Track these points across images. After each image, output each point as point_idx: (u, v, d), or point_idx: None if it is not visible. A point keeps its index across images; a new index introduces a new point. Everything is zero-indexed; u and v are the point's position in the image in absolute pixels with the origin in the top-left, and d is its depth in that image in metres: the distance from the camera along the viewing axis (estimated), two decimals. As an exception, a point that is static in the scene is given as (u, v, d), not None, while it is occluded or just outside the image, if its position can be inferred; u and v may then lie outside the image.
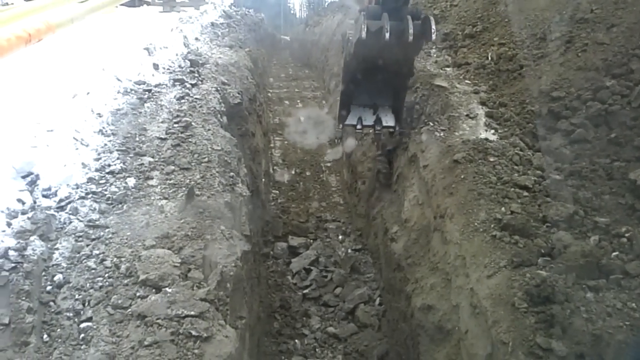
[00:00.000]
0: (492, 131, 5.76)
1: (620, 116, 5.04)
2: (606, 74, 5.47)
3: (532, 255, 3.93)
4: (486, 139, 5.50)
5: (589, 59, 5.73)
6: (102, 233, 3.78)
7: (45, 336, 3.01)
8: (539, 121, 5.69)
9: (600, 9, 6.15)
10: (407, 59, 5.88)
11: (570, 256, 3.81)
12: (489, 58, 7.29)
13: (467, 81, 7.10)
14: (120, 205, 4.13)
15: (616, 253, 3.82)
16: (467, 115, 6.14)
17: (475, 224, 4.45)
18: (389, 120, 6.48)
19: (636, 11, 5.77)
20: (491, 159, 5.12)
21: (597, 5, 6.22)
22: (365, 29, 4.93)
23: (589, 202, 4.45)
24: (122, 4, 10.44)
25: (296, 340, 6.32)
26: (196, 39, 9.89)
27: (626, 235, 3.96)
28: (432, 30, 4.90)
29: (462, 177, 5.01)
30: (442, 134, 5.88)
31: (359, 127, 6.53)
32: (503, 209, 4.44)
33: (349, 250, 7.88)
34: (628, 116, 4.99)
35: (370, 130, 6.79)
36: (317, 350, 6.22)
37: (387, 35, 4.81)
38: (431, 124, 6.14)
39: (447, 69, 7.65)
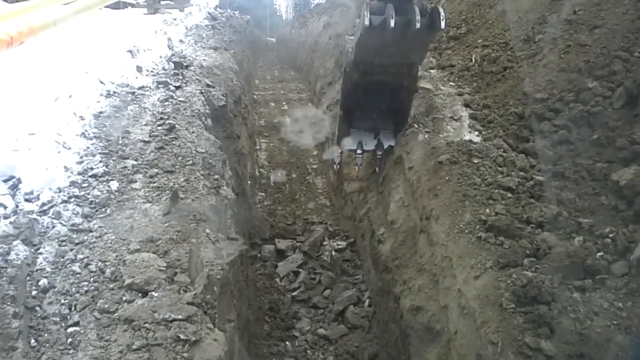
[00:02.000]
0: (476, 133, 5.81)
1: (603, 117, 5.10)
2: (588, 75, 5.55)
3: (517, 256, 3.96)
4: (470, 141, 5.54)
5: (572, 60, 5.80)
6: (86, 237, 3.73)
7: (32, 341, 2.96)
8: (522, 123, 5.74)
9: (583, 11, 6.24)
10: (412, 60, 5.43)
11: (556, 257, 3.85)
12: (473, 60, 7.36)
13: (451, 83, 7.16)
14: (103, 209, 4.08)
15: (601, 253, 3.87)
16: (451, 117, 6.19)
17: (461, 225, 4.48)
18: (390, 142, 6.31)
19: (618, 13, 5.86)
20: (475, 161, 5.16)
21: (580, 7, 6.31)
22: (369, 19, 4.50)
23: (572, 203, 4.50)
24: (106, 6, 10.35)
25: (287, 342, 6.31)
26: (180, 41, 9.84)
27: (610, 235, 4.01)
28: (442, 17, 4.46)
29: (447, 178, 5.04)
30: (426, 136, 5.91)
31: (359, 151, 6.37)
32: (488, 210, 4.47)
33: (333, 252, 7.88)
34: (610, 117, 5.06)
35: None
36: (308, 352, 6.21)
37: (392, 22, 4.36)
38: (416, 125, 6.16)
39: (432, 71, 7.71)
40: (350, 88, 5.85)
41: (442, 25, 4.52)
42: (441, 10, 4.54)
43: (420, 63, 5.73)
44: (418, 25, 4.43)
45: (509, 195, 4.66)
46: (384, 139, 6.31)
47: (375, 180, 7.26)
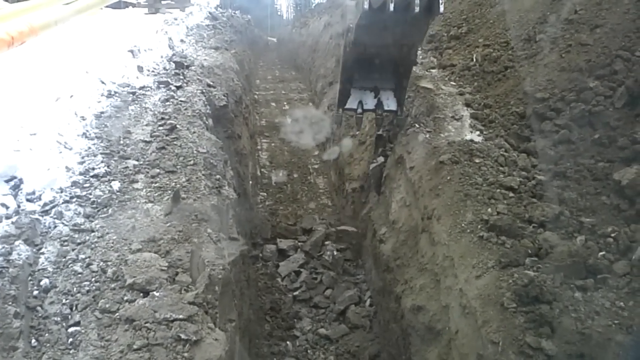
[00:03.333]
0: (477, 132, 5.80)
1: (604, 117, 5.09)
2: (590, 75, 5.53)
3: (519, 256, 3.96)
4: (471, 141, 5.54)
5: (573, 60, 5.79)
6: (87, 237, 3.74)
7: (33, 341, 2.96)
8: (524, 122, 5.73)
9: (584, 10, 6.22)
10: (411, 41, 5.51)
11: (557, 256, 3.84)
12: (474, 60, 7.35)
13: (452, 83, 7.15)
14: (105, 209, 4.09)
15: (603, 253, 3.86)
16: (452, 116, 6.18)
17: (462, 225, 4.48)
18: (390, 104, 6.27)
19: (619, 12, 5.84)
20: (476, 160, 5.15)
21: (581, 6, 6.29)
22: (368, 1, 4.53)
23: (574, 203, 4.50)
24: (107, 6, 10.36)
25: (288, 342, 6.31)
26: (181, 40, 9.85)
27: (612, 235, 4.00)
28: (441, 1, 4.49)
29: (448, 178, 5.03)
30: (427, 136, 5.91)
31: (359, 111, 6.32)
32: (489, 209, 4.47)
33: (335, 252, 7.87)
34: (611, 117, 5.04)
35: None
36: (309, 351, 6.21)
37: (392, 6, 4.40)
38: (417, 125, 6.16)
39: (433, 70, 7.70)
40: (350, 58, 5.89)
41: (441, 9, 4.56)
42: None
43: (420, 43, 5.80)
44: (417, 10, 4.47)
45: (511, 194, 4.65)
46: (384, 99, 6.28)
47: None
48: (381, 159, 6.95)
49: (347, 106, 6.31)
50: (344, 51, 5.87)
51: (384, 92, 6.26)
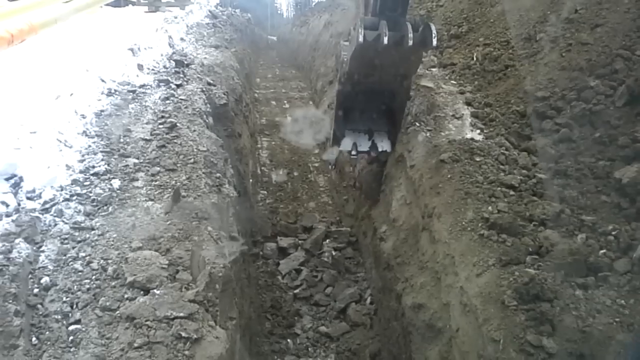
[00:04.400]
0: (478, 131, 5.80)
1: (604, 116, 5.09)
2: (590, 74, 5.53)
3: (520, 254, 3.96)
4: (472, 139, 5.54)
5: (573, 59, 5.78)
6: (87, 235, 3.73)
7: (33, 339, 2.96)
8: (524, 121, 5.73)
9: (585, 9, 6.21)
10: (405, 75, 5.59)
11: (558, 254, 3.84)
12: (475, 58, 7.34)
13: (452, 81, 7.15)
14: (105, 207, 4.08)
15: (604, 251, 3.86)
16: (453, 115, 6.18)
17: (463, 223, 4.48)
18: (384, 146, 6.32)
19: (620, 11, 5.84)
20: (477, 159, 5.16)
21: (581, 5, 6.29)
22: (363, 35, 4.61)
23: (575, 201, 4.49)
24: (106, 4, 10.37)
25: (288, 340, 6.31)
26: (181, 39, 9.85)
27: (613, 233, 4.00)
28: (433, 35, 4.56)
29: (449, 176, 5.04)
30: (428, 134, 5.91)
31: (354, 153, 6.37)
32: (490, 208, 4.47)
33: (334, 252, 7.88)
34: (612, 116, 5.04)
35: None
36: (309, 349, 6.21)
37: (385, 39, 4.49)
38: (417, 124, 6.16)
39: (433, 69, 7.69)
40: (345, 93, 5.93)
41: (434, 43, 4.62)
42: (433, 27, 4.61)
43: (412, 75, 5.84)
44: (410, 43, 4.54)
45: (512, 193, 4.65)
46: (378, 141, 6.34)
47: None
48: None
49: (341, 147, 6.40)
50: (339, 82, 5.93)
51: (378, 135, 6.32)
